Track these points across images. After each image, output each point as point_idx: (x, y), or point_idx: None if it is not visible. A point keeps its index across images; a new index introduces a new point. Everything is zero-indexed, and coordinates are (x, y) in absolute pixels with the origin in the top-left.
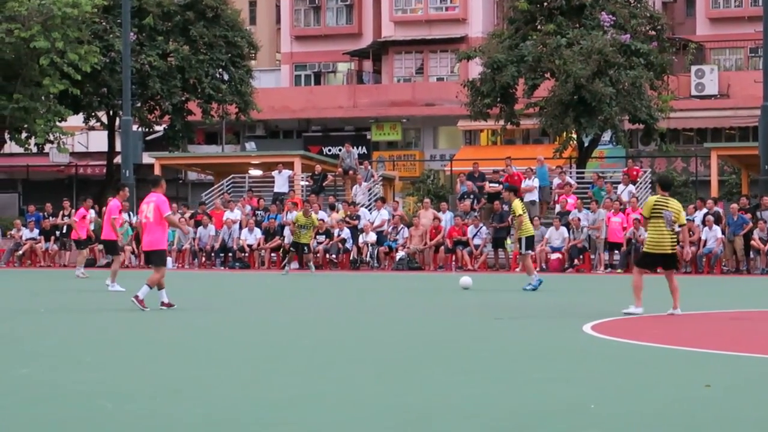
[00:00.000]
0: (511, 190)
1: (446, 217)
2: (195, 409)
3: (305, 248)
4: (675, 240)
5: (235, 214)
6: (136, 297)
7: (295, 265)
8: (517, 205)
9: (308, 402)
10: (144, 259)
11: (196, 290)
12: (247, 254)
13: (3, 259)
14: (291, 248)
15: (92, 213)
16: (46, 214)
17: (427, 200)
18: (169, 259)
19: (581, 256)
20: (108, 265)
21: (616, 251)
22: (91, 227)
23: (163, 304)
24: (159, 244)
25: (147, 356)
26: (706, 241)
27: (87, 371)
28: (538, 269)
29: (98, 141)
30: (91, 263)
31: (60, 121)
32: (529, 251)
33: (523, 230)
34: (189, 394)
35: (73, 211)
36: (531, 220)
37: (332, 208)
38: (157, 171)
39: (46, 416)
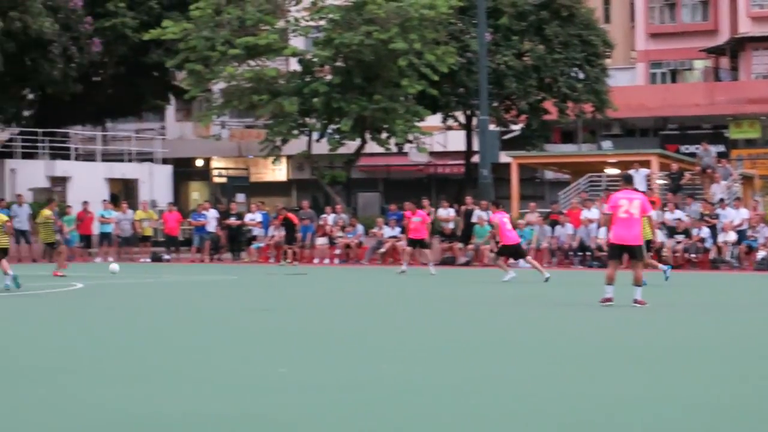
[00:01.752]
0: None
1: None
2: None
3: None
4: None
5: (592, 213)
6: (636, 301)
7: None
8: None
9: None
10: (610, 253)
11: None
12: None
13: (366, 257)
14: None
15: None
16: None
17: None
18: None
19: None
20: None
21: None
22: (450, 225)
23: (635, 301)
24: (640, 239)
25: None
26: None
27: (442, 368)
28: None
29: (456, 140)
30: (451, 261)
31: (418, 122)
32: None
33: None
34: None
35: (432, 210)
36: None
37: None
38: (513, 170)
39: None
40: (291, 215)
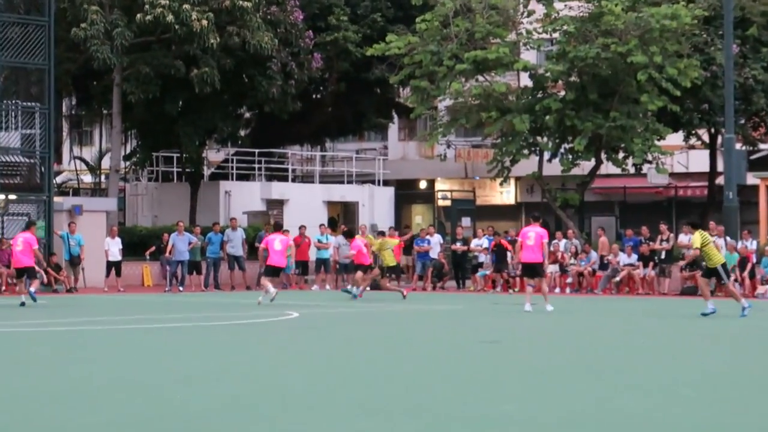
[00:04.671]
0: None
1: None
2: None
3: None
4: None
5: None
6: None
7: None
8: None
9: None
10: None
11: None
12: None
13: (600, 286)
14: None
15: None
16: (643, 238)
17: None
18: None
19: None
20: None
21: None
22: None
23: None
24: None
25: None
26: None
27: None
28: None
29: (699, 160)
30: (692, 290)
31: (658, 140)
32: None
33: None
34: None
35: (671, 235)
36: None
37: None
38: (762, 193)
39: None
40: (504, 242)
